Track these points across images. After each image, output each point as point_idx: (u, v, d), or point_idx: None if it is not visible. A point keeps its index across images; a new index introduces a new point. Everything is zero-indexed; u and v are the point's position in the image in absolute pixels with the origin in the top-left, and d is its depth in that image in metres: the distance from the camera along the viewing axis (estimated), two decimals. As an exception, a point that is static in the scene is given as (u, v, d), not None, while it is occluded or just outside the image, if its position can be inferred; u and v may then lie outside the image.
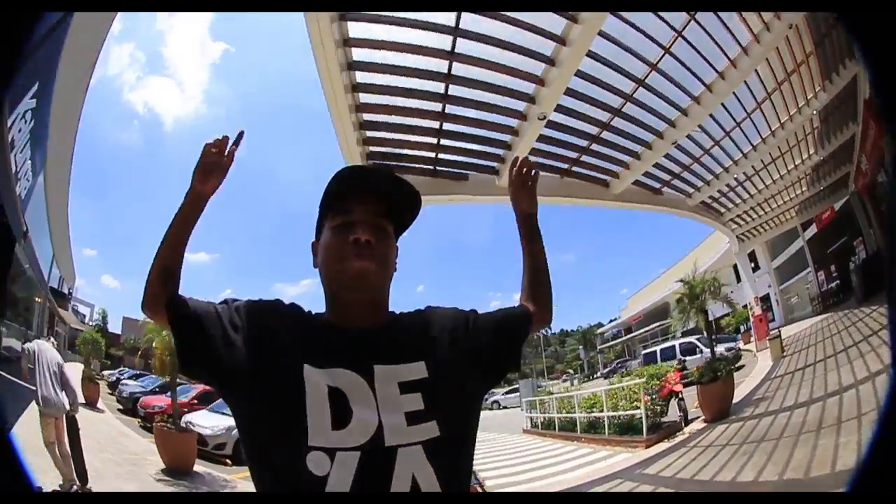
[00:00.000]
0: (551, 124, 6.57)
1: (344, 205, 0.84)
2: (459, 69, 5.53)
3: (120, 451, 7.96)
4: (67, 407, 4.93)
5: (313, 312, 0.86)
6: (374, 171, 0.93)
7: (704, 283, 10.56)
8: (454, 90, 5.86)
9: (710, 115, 7.47)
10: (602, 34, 5.29)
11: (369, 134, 6.44)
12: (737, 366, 14.44)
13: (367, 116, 6.14)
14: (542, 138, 6.85)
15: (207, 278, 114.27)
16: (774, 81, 7.88)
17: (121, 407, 12.89)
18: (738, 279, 18.46)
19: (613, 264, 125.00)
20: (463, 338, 0.87)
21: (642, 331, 33.22)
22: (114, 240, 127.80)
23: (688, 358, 14.66)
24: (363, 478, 0.69)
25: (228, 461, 8.64)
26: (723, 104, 7.39)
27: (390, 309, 0.89)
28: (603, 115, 6.80)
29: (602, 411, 9.26)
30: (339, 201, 0.85)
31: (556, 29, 5.13)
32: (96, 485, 5.53)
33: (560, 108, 6.32)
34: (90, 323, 25.13)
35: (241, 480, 7.42)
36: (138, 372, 15.90)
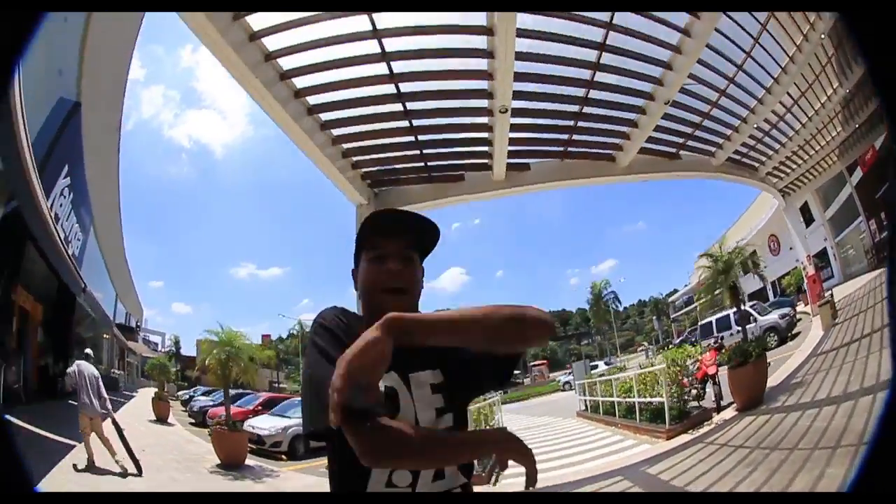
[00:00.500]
0: (521, 112, 6.30)
1: (376, 241, 1.06)
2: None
3: (183, 454, 9.13)
4: (99, 409, 6.40)
5: (358, 318, 1.04)
6: (397, 213, 1.11)
7: (734, 255, 9.88)
8: (412, 105, 5.87)
9: (702, 63, 6.53)
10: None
11: (356, 159, 6.62)
12: (792, 334, 13.44)
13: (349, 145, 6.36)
14: (519, 127, 6.61)
15: (283, 290, 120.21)
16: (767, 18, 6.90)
17: (192, 420, 14.49)
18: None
19: (685, 229, 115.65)
20: (466, 351, 1.00)
21: (709, 296, 31.37)
22: (179, 268, 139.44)
23: (742, 328, 13.61)
24: None
25: (284, 457, 10.01)
26: (712, 48, 6.44)
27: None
28: (577, 91, 6.33)
29: (634, 396, 8.93)
30: (372, 239, 1.06)
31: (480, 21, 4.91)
32: (158, 475, 6.85)
33: (522, 96, 6.01)
34: (163, 350, 27.60)
35: (291, 472, 8.36)
36: (211, 388, 17.42)
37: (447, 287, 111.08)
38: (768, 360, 7.80)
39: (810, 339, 10.70)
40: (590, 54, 5.78)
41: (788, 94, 9.20)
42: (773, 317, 14.43)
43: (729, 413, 7.34)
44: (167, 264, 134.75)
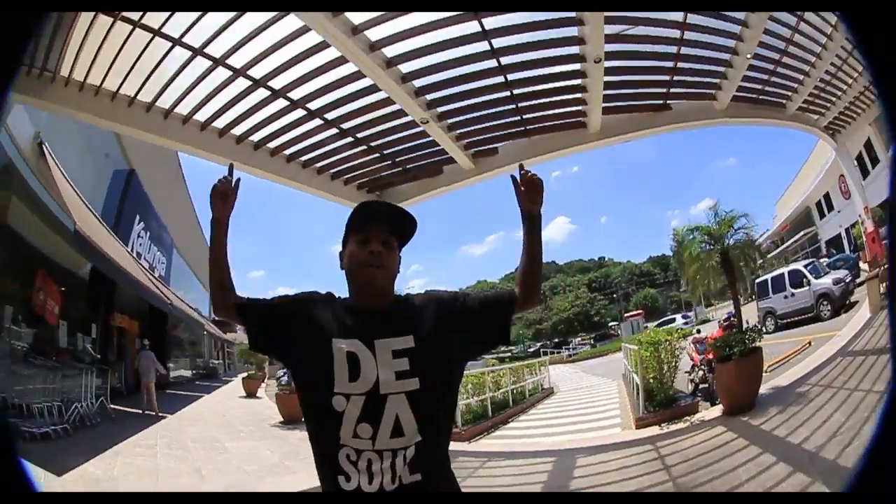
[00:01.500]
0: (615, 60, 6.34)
1: (363, 226, 1.21)
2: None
3: (257, 416, 11.55)
4: (153, 378, 10.31)
5: (341, 297, 1.25)
6: (381, 204, 1.32)
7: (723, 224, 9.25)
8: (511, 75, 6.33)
9: (772, 19, 6.41)
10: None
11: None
12: (848, 303, 11.30)
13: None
14: (615, 71, 6.60)
15: (265, 286, 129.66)
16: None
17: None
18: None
19: (769, 170, 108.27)
20: (447, 315, 1.19)
21: (790, 242, 28.33)
22: (277, 256, 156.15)
23: (795, 291, 12.31)
24: (365, 413, 1.06)
25: None
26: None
27: (403, 293, 1.31)
28: (669, 48, 6.39)
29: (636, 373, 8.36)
30: (359, 224, 1.22)
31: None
32: (232, 429, 9.68)
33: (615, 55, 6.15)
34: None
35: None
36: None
37: (555, 237, 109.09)
38: (809, 341, 6.99)
39: (854, 324, 8.50)
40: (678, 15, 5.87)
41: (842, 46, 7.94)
42: (826, 282, 12.07)
43: (713, 412, 6.42)
44: (267, 255, 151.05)
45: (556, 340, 48.93)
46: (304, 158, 7.30)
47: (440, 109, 6.61)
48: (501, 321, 1.24)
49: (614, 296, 62.28)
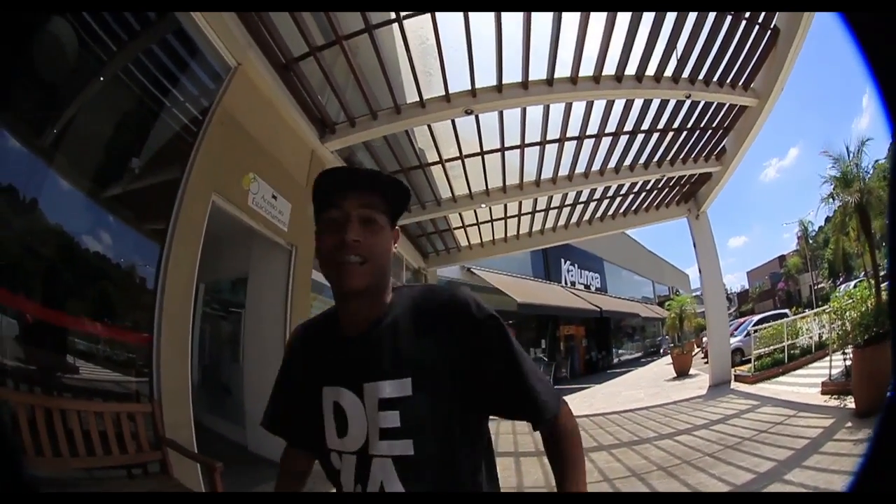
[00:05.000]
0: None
1: (332, 199, 0.85)
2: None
3: (656, 377, 13.96)
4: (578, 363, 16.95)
5: (334, 312, 0.92)
6: (353, 170, 0.99)
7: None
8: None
9: None
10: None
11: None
12: None
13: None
14: None
15: None
16: None
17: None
18: None
19: None
20: (459, 360, 0.82)
21: None
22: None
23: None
24: (357, 476, 0.84)
25: (744, 367, 10.24)
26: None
27: (401, 284, 0.99)
28: None
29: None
30: (326, 200, 0.85)
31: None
32: (634, 388, 12.33)
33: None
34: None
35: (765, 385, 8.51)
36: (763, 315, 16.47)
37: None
38: None
39: None
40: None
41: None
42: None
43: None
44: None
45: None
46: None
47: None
48: (506, 415, 0.89)
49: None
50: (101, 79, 3.11)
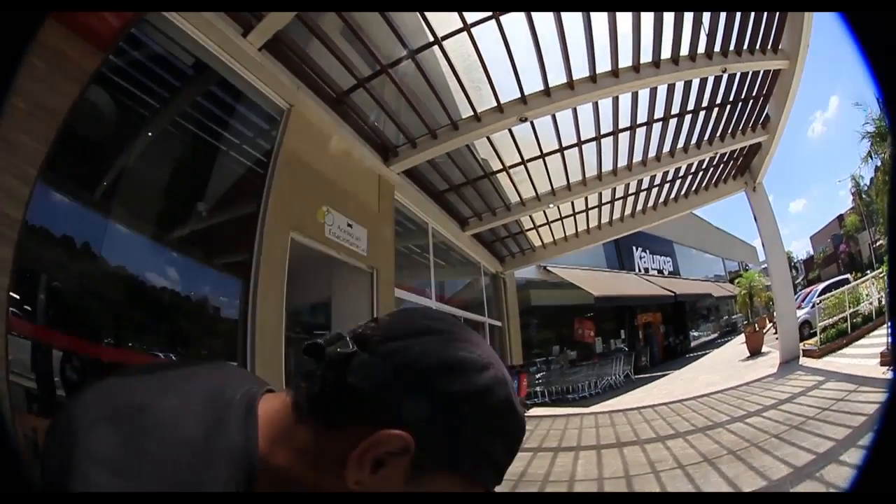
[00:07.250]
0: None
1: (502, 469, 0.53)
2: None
3: (728, 359, 13.51)
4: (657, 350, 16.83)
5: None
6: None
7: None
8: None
9: None
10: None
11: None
12: None
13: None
14: None
15: None
16: None
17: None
18: None
19: None
20: None
21: None
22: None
23: None
24: None
25: (812, 341, 9.73)
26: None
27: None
28: None
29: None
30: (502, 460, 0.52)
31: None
32: (706, 372, 11.93)
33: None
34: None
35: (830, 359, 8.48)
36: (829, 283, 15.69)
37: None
38: None
39: None
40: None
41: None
42: None
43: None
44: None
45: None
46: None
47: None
48: None
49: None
50: (150, 134, 3.31)
